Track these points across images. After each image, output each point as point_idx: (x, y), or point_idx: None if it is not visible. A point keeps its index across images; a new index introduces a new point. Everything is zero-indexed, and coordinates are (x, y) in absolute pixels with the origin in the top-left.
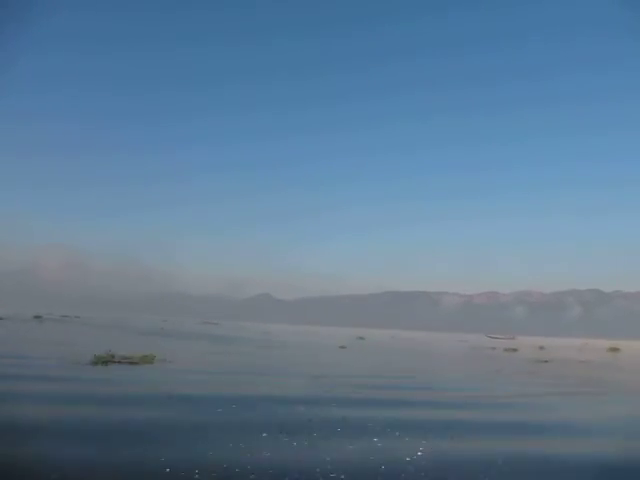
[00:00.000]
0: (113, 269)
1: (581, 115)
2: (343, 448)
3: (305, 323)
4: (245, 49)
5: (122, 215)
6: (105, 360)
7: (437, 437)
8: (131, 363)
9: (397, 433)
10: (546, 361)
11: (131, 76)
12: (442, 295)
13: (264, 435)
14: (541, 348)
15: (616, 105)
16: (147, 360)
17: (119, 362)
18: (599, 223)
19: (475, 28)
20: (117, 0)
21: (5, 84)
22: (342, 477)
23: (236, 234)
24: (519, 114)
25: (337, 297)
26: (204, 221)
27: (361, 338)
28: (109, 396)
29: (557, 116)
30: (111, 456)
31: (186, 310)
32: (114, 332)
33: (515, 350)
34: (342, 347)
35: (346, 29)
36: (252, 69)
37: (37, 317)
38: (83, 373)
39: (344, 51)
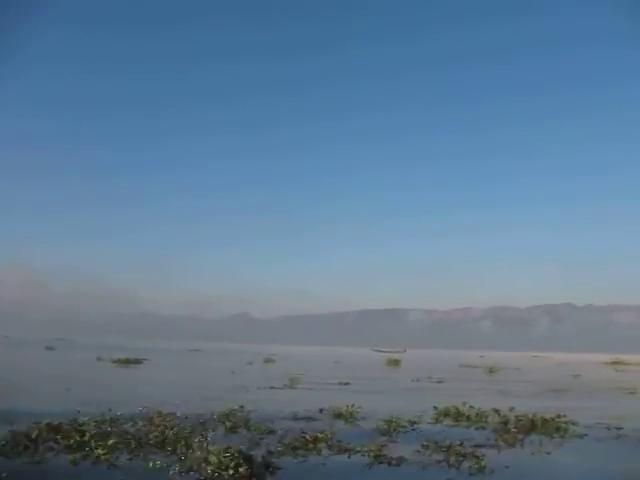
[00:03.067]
0: (74, 289)
1: (545, 131)
2: None
3: (283, 343)
4: (241, 66)
5: (90, 237)
6: None
7: None
8: None
9: None
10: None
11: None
12: (416, 312)
13: None
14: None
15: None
16: None
17: None
18: (573, 237)
19: (478, 42)
20: (108, 20)
21: None
22: None
23: (211, 254)
24: (495, 131)
25: (318, 315)
26: (178, 242)
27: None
28: None
29: (526, 133)
30: None
31: (154, 332)
32: None
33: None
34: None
35: (346, 45)
36: (237, 87)
37: None
38: None
39: (340, 68)
